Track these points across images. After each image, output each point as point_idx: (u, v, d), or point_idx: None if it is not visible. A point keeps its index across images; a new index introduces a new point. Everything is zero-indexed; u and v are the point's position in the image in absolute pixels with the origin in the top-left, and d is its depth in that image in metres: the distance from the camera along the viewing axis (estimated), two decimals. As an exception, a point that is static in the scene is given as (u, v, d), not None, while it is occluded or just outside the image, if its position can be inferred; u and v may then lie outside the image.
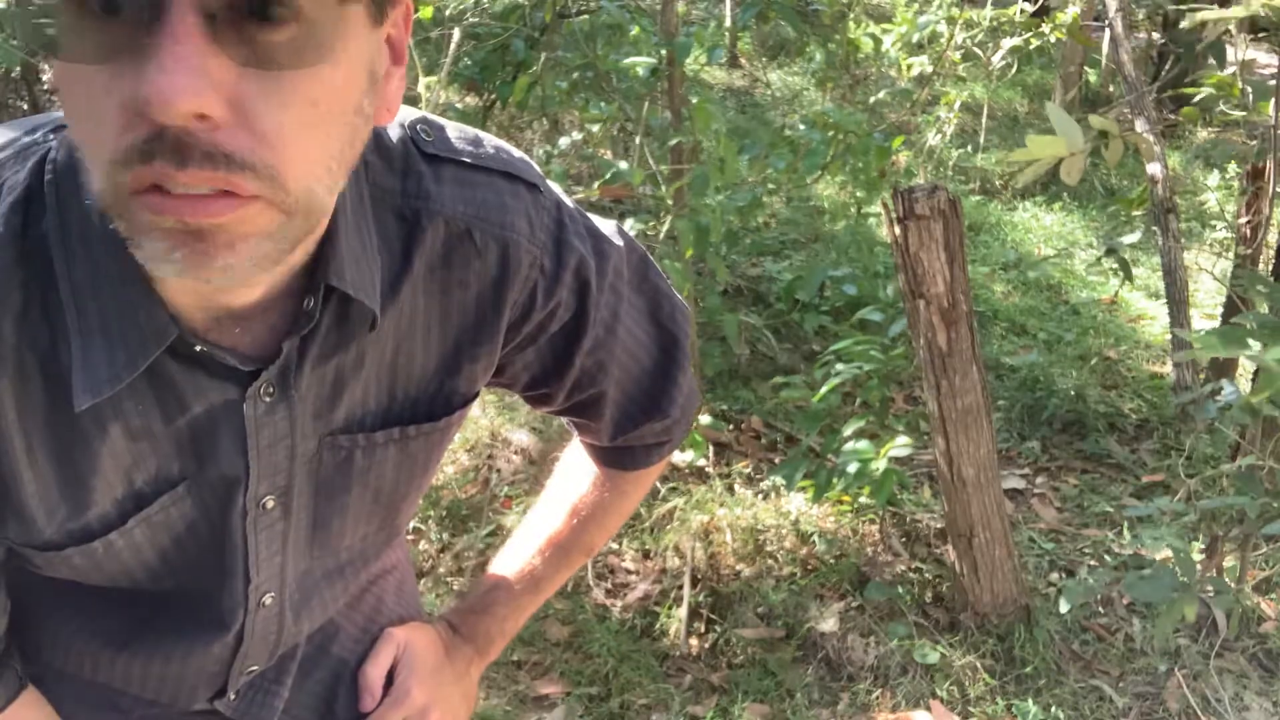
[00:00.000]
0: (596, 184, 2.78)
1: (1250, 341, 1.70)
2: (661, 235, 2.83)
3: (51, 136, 0.69)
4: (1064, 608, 2.18)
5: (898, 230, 2.21)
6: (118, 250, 0.64)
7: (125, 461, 0.74)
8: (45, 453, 0.70)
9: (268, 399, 0.75)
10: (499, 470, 2.85)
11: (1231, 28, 2.60)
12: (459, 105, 4.04)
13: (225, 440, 0.76)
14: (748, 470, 2.95)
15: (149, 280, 0.66)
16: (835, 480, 2.56)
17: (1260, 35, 7.07)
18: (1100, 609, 2.58)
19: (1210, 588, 2.00)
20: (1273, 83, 2.66)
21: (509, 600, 1.11)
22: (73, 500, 0.73)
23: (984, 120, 5.49)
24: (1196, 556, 2.52)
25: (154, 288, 0.67)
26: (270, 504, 0.81)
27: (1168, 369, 3.63)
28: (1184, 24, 2.34)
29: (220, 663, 0.90)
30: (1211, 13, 2.20)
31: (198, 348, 0.70)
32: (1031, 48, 4.54)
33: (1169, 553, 2.07)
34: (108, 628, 0.86)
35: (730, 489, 2.85)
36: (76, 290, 0.67)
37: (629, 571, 2.63)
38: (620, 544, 2.69)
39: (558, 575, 1.13)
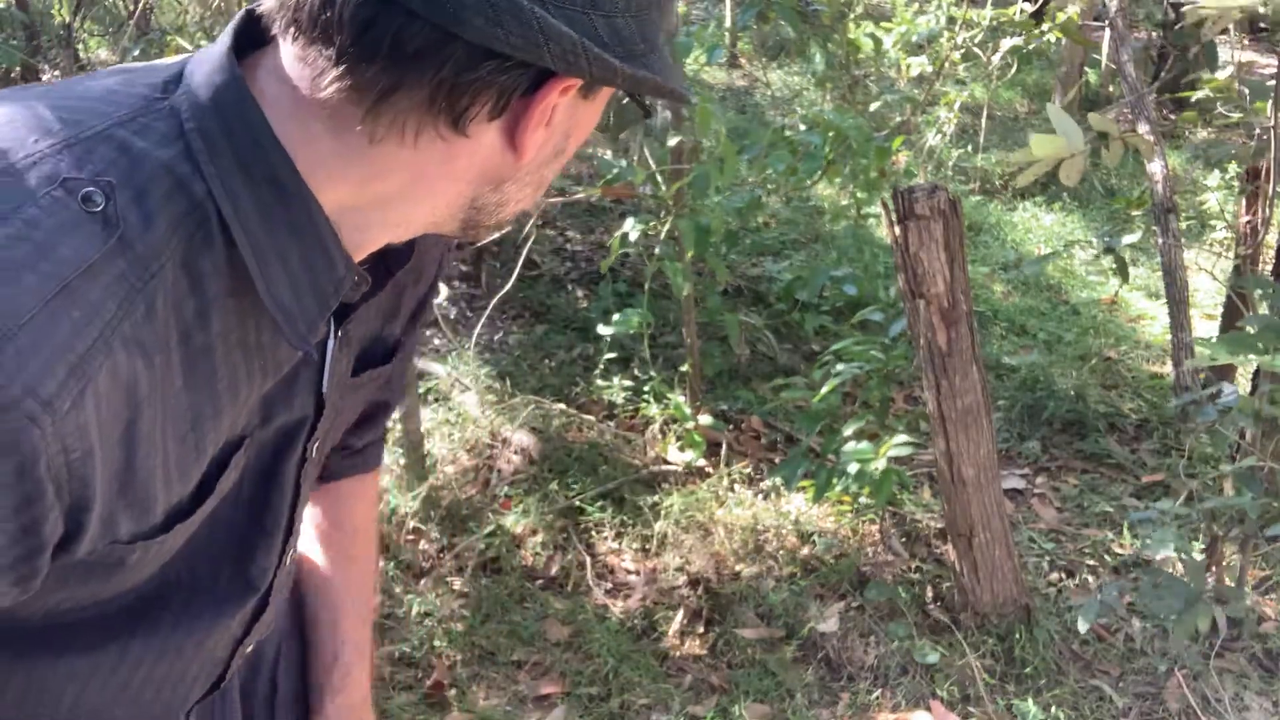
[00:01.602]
0: (598, 184, 2.79)
1: (1259, 345, 1.70)
2: (663, 235, 2.83)
3: (161, 103, 0.66)
4: (1083, 627, 2.19)
5: (898, 230, 2.21)
6: (290, 200, 0.66)
7: (229, 426, 0.73)
8: (173, 431, 0.68)
9: (339, 337, 0.78)
10: (499, 471, 2.85)
11: (1230, 26, 2.59)
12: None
13: (302, 384, 0.77)
14: (748, 470, 2.95)
15: (328, 219, 0.68)
16: (835, 480, 2.56)
17: (1260, 33, 7.07)
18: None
19: (1223, 595, 2.00)
20: (1270, 83, 2.66)
21: (353, 630, 1.08)
22: (186, 476, 0.71)
23: (984, 120, 5.49)
24: (1196, 557, 2.52)
25: (332, 228, 0.68)
26: (314, 452, 0.82)
27: (1168, 369, 3.63)
28: (1184, 22, 2.33)
29: (230, 642, 0.87)
30: (1211, 3, 2.19)
31: (354, 278, 0.72)
32: (1030, 48, 4.54)
33: (1172, 553, 2.07)
34: (112, 637, 0.78)
35: (730, 489, 2.86)
36: (256, 247, 0.66)
37: (629, 572, 2.63)
38: (620, 544, 2.70)
39: (367, 579, 1.11)
